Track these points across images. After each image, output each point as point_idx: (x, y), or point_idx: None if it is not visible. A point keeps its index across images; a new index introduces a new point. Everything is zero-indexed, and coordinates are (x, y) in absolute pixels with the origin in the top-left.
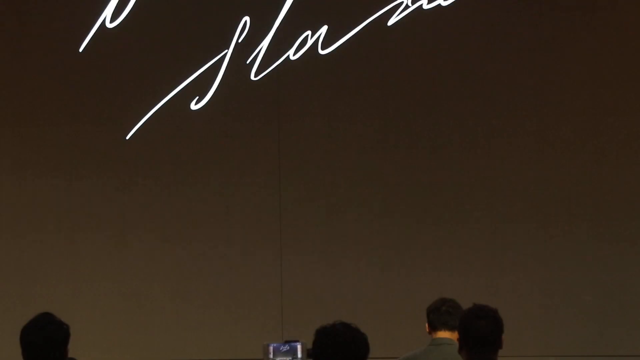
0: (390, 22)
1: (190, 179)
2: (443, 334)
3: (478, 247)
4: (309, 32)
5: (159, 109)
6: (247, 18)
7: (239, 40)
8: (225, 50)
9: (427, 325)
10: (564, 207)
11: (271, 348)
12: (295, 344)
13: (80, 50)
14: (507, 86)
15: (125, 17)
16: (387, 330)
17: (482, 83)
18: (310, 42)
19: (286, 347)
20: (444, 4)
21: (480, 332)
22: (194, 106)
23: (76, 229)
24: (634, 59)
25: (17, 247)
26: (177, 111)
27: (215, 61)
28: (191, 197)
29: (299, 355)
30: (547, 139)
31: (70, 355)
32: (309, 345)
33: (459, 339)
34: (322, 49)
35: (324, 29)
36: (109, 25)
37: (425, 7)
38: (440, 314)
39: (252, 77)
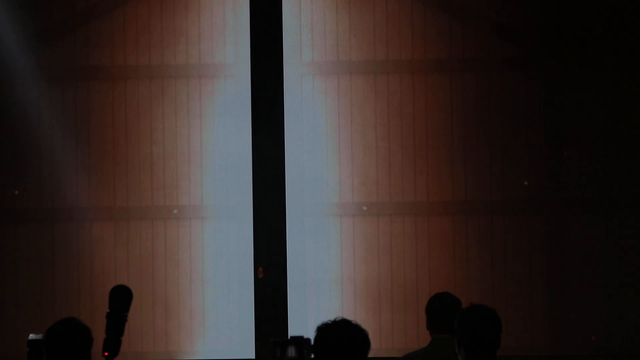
0: None
1: None
2: (443, 334)
3: None
4: None
5: None
6: None
7: None
8: None
9: (426, 324)
10: None
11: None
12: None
13: None
14: None
15: None
16: None
17: None
18: None
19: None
20: None
21: (479, 332)
22: None
23: None
24: None
25: None
26: None
27: None
28: None
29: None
30: None
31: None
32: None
33: (458, 339)
34: None
35: None
36: None
37: None
38: (439, 313)
39: None
